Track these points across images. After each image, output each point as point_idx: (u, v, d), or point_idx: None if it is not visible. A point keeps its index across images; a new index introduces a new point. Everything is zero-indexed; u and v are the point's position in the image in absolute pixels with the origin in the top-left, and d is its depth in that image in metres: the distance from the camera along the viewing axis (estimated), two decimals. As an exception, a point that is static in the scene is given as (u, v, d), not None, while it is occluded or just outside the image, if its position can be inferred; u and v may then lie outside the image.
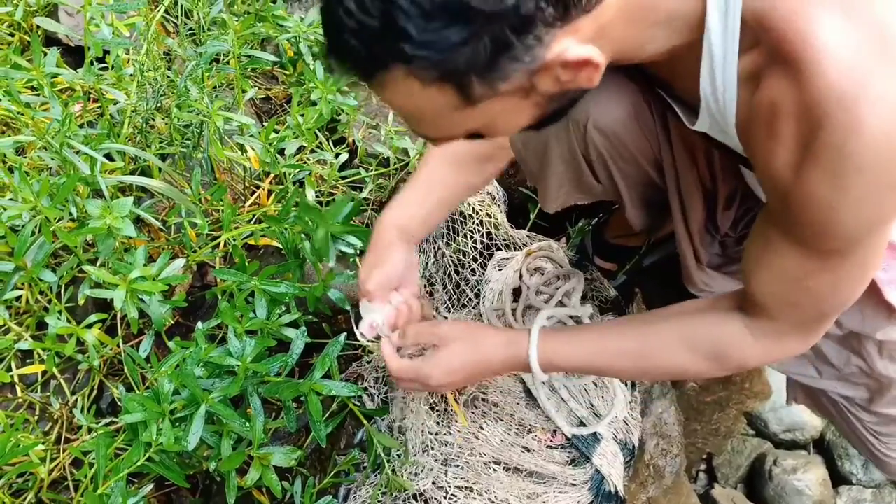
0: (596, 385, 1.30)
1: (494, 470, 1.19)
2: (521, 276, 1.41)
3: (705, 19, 0.68)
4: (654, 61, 0.76)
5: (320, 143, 1.52)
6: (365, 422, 1.11)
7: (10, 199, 1.05)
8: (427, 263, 1.50)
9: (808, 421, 2.08)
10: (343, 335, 1.09)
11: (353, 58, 0.61)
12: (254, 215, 1.41)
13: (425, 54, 0.58)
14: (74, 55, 1.66)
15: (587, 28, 0.64)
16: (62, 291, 1.24)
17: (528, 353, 0.94)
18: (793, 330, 0.85)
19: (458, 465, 1.18)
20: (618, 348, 0.94)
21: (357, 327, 1.03)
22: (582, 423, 1.25)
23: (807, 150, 0.65)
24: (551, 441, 1.25)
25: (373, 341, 1.04)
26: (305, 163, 1.49)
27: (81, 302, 1.14)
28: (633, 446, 1.30)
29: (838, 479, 2.03)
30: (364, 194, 1.56)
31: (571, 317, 1.31)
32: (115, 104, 1.33)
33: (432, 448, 1.19)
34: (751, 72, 0.69)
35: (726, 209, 1.08)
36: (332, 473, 1.20)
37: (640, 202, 1.13)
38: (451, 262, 1.47)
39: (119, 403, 1.24)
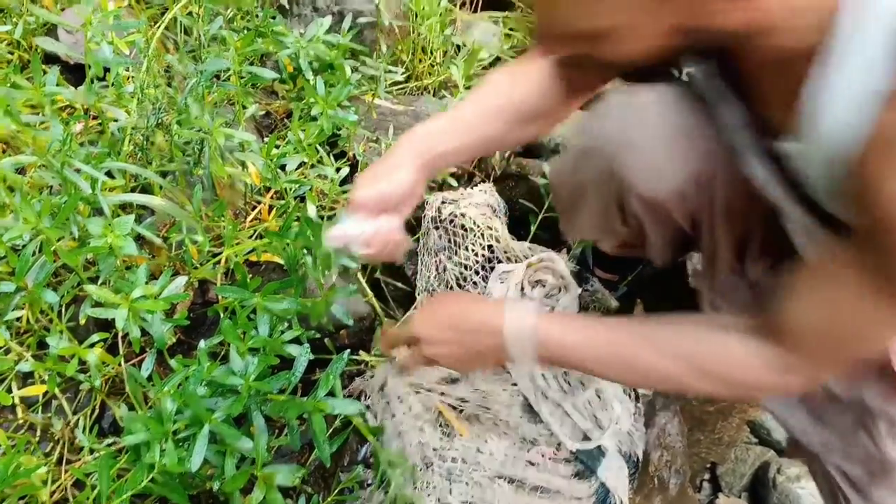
0: (599, 398, 1.29)
1: (500, 485, 1.19)
2: (522, 289, 1.41)
3: (834, 22, 0.58)
4: (756, 69, 0.70)
5: (321, 157, 1.52)
6: (371, 438, 1.10)
7: (12, 218, 1.05)
8: (429, 277, 1.50)
9: (812, 429, 2.08)
10: (347, 352, 1.09)
11: None
12: (255, 231, 1.40)
13: None
14: (74, 72, 1.66)
15: None
16: (63, 311, 1.24)
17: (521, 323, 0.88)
18: (807, 365, 0.79)
19: (462, 481, 1.17)
20: (615, 341, 0.86)
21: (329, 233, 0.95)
22: (586, 437, 1.24)
23: None
24: (555, 455, 1.24)
25: (347, 257, 0.97)
26: (306, 178, 1.49)
27: (83, 321, 1.13)
28: (638, 458, 1.29)
29: (842, 487, 2.03)
30: (365, 208, 1.55)
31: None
32: (115, 122, 1.33)
33: (436, 464, 1.18)
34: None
35: (756, 260, 1.02)
36: (335, 491, 1.19)
37: (666, 246, 1.11)
38: (452, 276, 1.47)
39: (121, 423, 1.23)
